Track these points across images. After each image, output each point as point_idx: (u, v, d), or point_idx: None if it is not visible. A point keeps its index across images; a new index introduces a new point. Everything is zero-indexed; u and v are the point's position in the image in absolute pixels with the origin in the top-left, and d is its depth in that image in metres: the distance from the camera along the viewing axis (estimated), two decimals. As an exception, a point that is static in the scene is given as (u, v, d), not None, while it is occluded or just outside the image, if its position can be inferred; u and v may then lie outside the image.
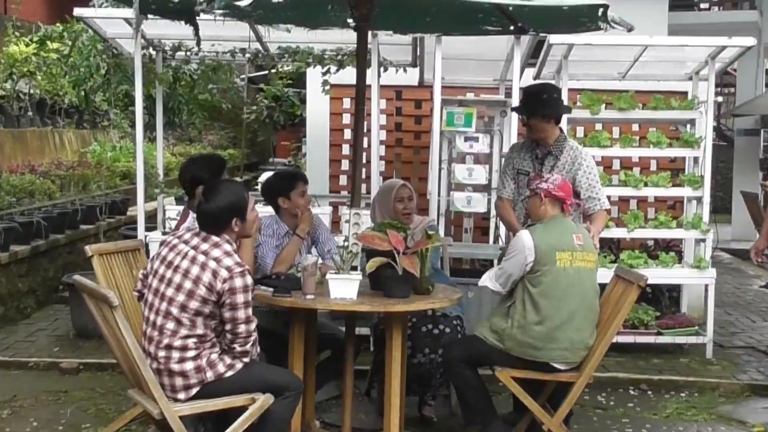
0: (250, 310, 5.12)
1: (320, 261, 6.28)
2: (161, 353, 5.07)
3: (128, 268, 6.18)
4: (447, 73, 8.94)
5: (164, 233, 8.58)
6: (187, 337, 5.06)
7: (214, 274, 5.03)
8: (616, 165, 10.33)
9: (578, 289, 5.90)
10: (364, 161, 6.80)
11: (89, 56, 10.72)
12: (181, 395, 5.09)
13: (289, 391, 5.28)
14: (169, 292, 5.10)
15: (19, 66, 13.77)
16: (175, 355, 5.06)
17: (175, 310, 5.06)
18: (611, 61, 9.37)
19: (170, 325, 5.07)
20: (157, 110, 9.51)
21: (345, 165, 10.60)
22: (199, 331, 5.08)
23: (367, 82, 6.87)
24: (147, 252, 8.32)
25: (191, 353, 5.07)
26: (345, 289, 5.61)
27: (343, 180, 10.65)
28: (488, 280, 6.17)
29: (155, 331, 5.11)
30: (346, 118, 10.49)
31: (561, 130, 6.88)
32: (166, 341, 5.07)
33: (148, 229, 8.81)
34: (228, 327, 5.10)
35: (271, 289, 5.73)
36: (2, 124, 13.83)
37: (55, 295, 10.79)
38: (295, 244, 6.47)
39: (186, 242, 5.23)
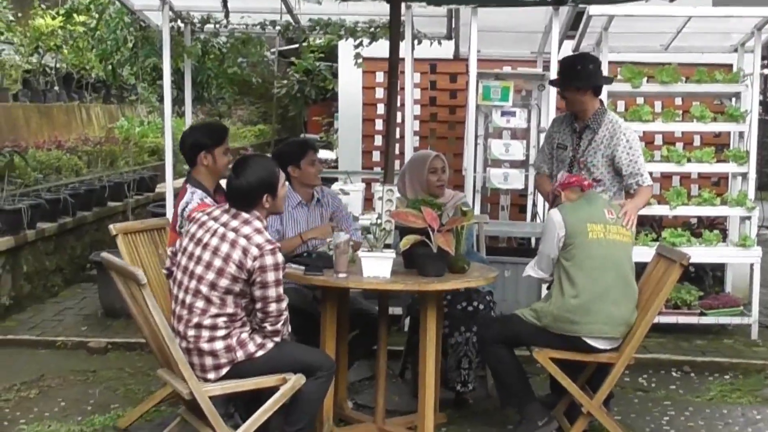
0: (281, 289, 5.14)
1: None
2: (191, 332, 5.11)
3: (153, 247, 6.22)
4: (483, 46, 8.90)
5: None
6: (217, 316, 5.09)
7: (245, 251, 5.04)
8: (659, 140, 10.27)
9: (613, 261, 5.89)
10: (397, 136, 6.80)
11: (116, 29, 10.74)
12: (211, 375, 5.13)
13: (321, 372, 5.29)
14: (199, 270, 5.13)
15: (45, 39, 13.85)
16: (205, 334, 5.09)
17: (204, 289, 5.09)
18: (653, 32, 9.31)
19: (200, 303, 5.10)
20: (185, 84, 9.53)
21: (378, 140, 10.62)
22: (230, 309, 5.10)
23: (401, 55, 6.88)
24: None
25: (221, 332, 5.10)
26: (378, 267, 5.61)
27: (376, 156, 10.67)
28: (530, 269, 6.18)
29: (184, 310, 5.15)
30: (379, 93, 10.50)
31: (601, 102, 6.79)
32: (195, 320, 5.10)
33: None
34: (259, 306, 5.13)
35: (303, 268, 5.74)
36: (28, 98, 13.94)
37: (82, 274, 10.88)
38: (294, 242, 6.42)
39: (215, 219, 5.25)
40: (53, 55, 14.39)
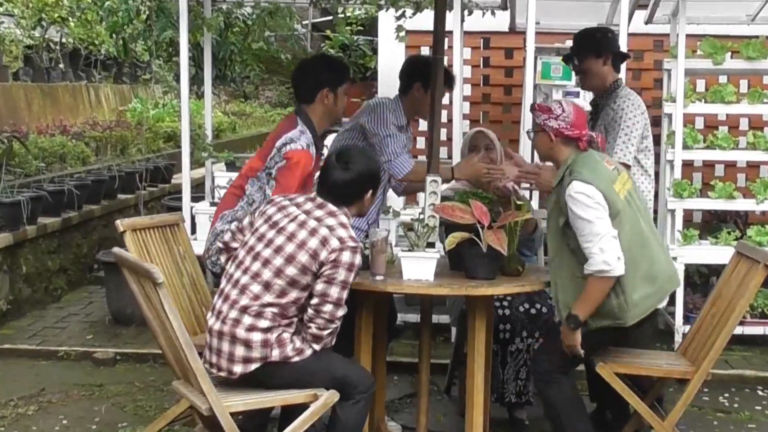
0: (345, 294, 5.18)
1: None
2: (232, 314, 5.15)
3: (166, 245, 6.24)
4: (542, 17, 8.85)
5: (212, 204, 8.67)
6: (268, 305, 5.13)
7: (324, 241, 5.12)
8: (744, 125, 10.18)
9: (637, 211, 5.80)
10: (444, 120, 6.79)
11: (128, -1, 10.84)
12: (238, 368, 5.16)
13: (359, 391, 5.29)
14: (266, 253, 5.20)
15: (49, 11, 13.98)
16: (247, 320, 5.13)
17: (267, 274, 5.15)
18: (738, 0, 9.23)
19: (255, 288, 5.15)
20: (205, 61, 9.54)
21: (422, 125, 10.59)
22: (284, 301, 5.14)
23: (449, 28, 6.84)
24: (193, 226, 8.43)
25: (264, 324, 5.13)
26: (420, 269, 5.61)
27: (420, 142, 10.64)
28: (603, 264, 5.54)
29: (235, 290, 5.20)
30: (425, 70, 10.47)
31: (619, 80, 6.89)
32: (243, 303, 5.15)
33: (194, 199, 8.85)
34: (314, 301, 5.16)
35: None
36: (30, 77, 14.07)
37: (89, 275, 10.96)
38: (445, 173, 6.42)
39: (298, 205, 5.33)
40: (58, 29, 14.53)
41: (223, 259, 5.54)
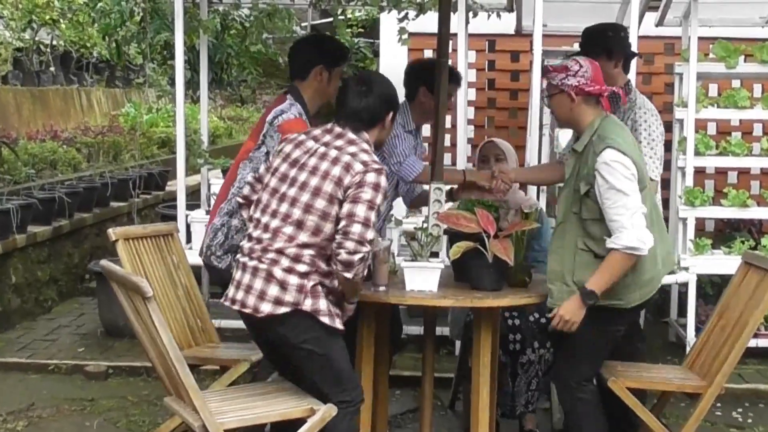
0: (372, 215, 5.14)
1: None
2: (269, 255, 5.16)
3: (160, 255, 6.24)
4: (550, 19, 8.85)
5: (208, 212, 8.65)
6: (304, 246, 5.14)
7: (347, 167, 5.15)
8: (758, 130, 10.17)
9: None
10: (448, 125, 6.78)
11: (121, 0, 10.82)
12: (266, 307, 5.14)
13: (344, 399, 5.25)
14: (292, 192, 5.21)
15: (39, 12, 13.97)
16: (285, 262, 5.14)
17: (297, 212, 5.15)
18: (752, 1, 9.22)
19: (288, 229, 5.16)
20: (201, 65, 9.55)
21: (426, 130, 10.59)
22: (320, 239, 5.15)
23: (453, 30, 6.84)
24: (188, 235, 8.41)
25: (302, 268, 5.14)
26: (424, 279, 5.60)
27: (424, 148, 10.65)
28: (637, 241, 5.36)
29: (266, 234, 5.21)
30: (428, 74, 10.46)
31: (629, 81, 6.85)
32: (277, 245, 5.16)
33: (189, 207, 8.84)
34: (342, 224, 5.13)
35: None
36: (20, 81, 14.07)
37: (80, 286, 10.96)
38: (456, 176, 6.50)
39: (316, 139, 5.35)
40: (49, 31, 14.52)
41: (245, 214, 5.50)
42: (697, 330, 8.27)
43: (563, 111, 5.74)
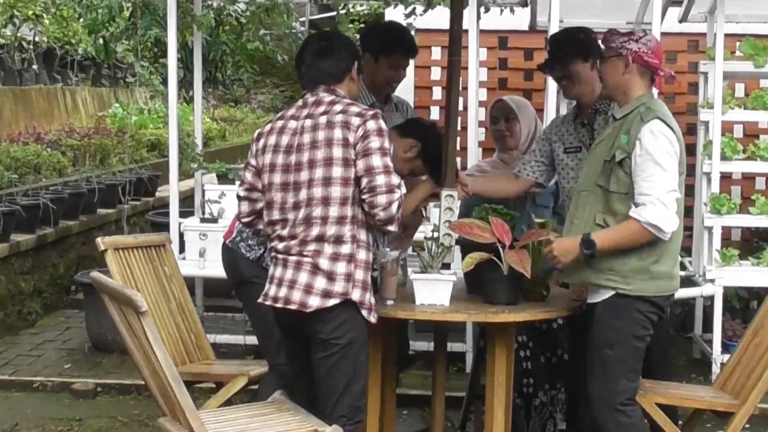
0: (388, 160, 5.19)
1: None
2: (311, 246, 5.19)
3: (151, 266, 6.24)
4: (566, 14, 8.84)
5: (202, 220, 8.65)
6: (340, 220, 5.17)
7: (345, 125, 5.20)
8: (788, 133, 10.18)
9: None
10: (458, 128, 6.75)
11: (110, -6, 10.83)
12: (314, 301, 5.17)
13: (343, 410, 5.26)
14: (303, 176, 5.23)
15: (21, 7, 13.96)
16: (328, 249, 5.17)
17: (318, 191, 5.19)
18: (782, -3, 9.23)
19: (317, 211, 5.19)
20: (194, 63, 9.55)
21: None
22: (350, 206, 5.19)
23: (464, 26, 6.83)
24: (181, 245, 8.40)
25: (346, 249, 5.18)
26: (434, 292, 5.58)
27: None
28: (665, 221, 5.30)
29: (299, 227, 5.23)
30: (436, 73, 10.48)
31: None
32: (316, 232, 5.19)
33: (182, 214, 8.83)
34: (364, 183, 5.16)
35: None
36: (1, 80, 14.07)
37: (66, 298, 10.95)
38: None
39: (295, 117, 5.38)
40: (31, 27, 14.52)
41: (261, 226, 5.52)
42: (724, 346, 8.27)
43: (614, 76, 5.67)
